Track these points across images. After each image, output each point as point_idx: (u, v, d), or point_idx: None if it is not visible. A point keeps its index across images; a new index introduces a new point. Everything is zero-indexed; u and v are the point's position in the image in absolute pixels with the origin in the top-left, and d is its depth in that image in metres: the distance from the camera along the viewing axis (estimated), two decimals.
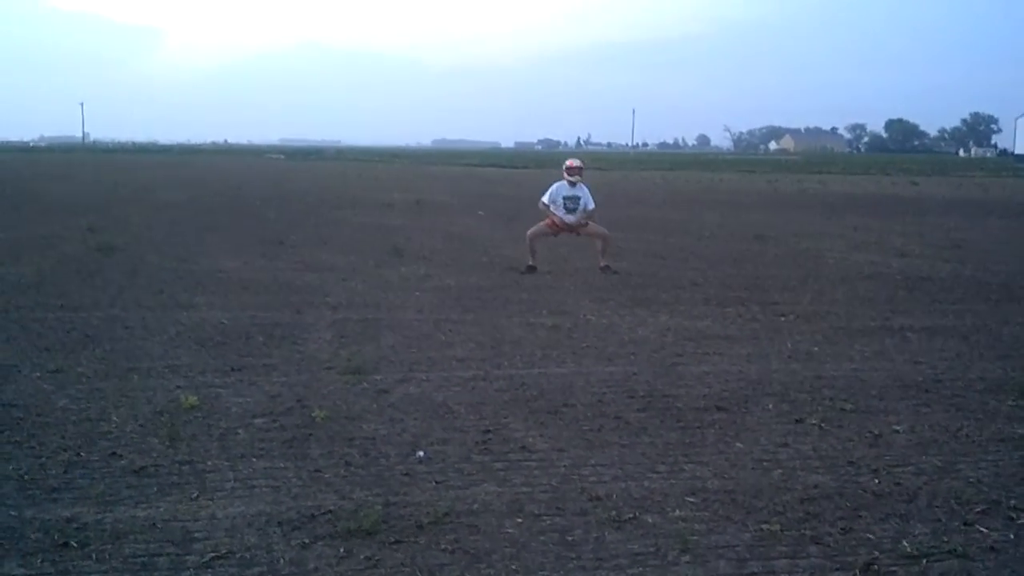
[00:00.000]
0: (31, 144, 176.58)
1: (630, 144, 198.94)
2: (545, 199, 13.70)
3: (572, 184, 13.52)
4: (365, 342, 8.64)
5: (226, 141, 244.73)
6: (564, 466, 5.50)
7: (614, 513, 4.79)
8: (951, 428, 6.34)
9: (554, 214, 13.57)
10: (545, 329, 9.37)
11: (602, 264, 13.49)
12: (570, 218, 13.55)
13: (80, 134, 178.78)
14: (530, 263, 13.43)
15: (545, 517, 4.77)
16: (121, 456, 5.54)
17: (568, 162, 13.81)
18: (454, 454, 5.68)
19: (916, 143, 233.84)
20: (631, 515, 4.79)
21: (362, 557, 4.28)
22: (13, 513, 4.71)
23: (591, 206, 13.68)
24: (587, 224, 13.62)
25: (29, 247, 15.41)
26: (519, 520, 4.73)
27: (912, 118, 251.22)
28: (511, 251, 14.48)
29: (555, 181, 13.85)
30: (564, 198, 13.52)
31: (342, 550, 4.35)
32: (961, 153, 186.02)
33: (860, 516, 4.84)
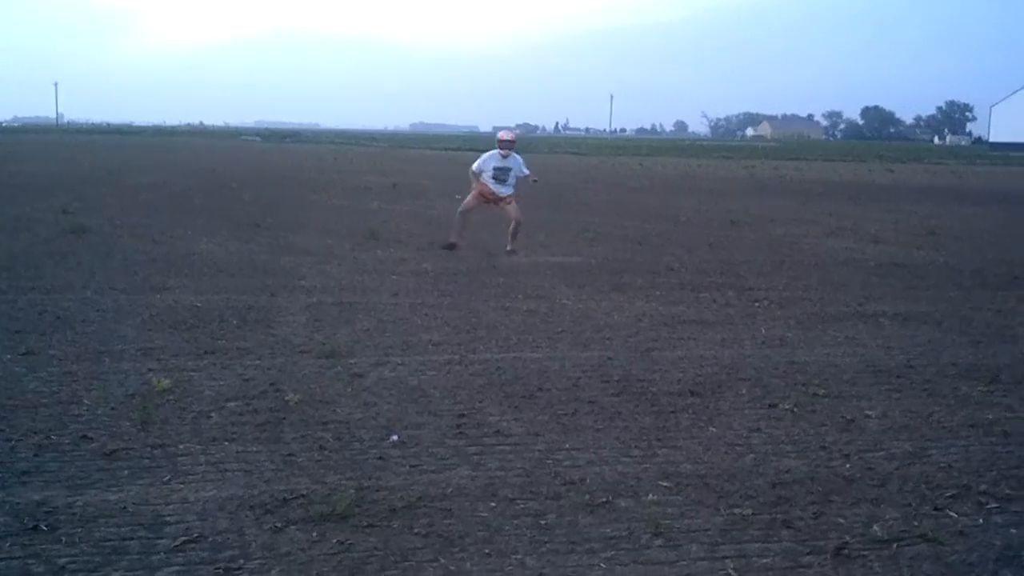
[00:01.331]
0: (3, 124, 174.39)
1: (608, 129, 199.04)
2: (475, 167, 13.83)
3: (504, 156, 13.59)
4: (340, 326, 8.61)
5: (201, 123, 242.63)
6: (538, 450, 5.51)
7: (587, 497, 4.81)
8: (923, 413, 6.40)
9: (484, 183, 13.66)
10: (521, 314, 9.37)
11: (508, 248, 13.61)
12: (499, 188, 13.67)
13: (54, 115, 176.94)
14: (451, 240, 13.55)
15: (519, 501, 4.77)
16: (92, 439, 5.50)
17: (501, 134, 13.95)
18: (428, 438, 5.67)
19: (892, 130, 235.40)
20: (604, 499, 4.80)
21: (335, 541, 4.27)
22: None
23: (525, 171, 13.82)
24: (511, 201, 13.69)
25: (1, 228, 15.23)
26: (493, 504, 4.73)
27: (888, 105, 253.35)
28: (488, 235, 14.44)
29: (488, 151, 13.93)
30: (495, 168, 13.65)
31: (315, 534, 4.33)
32: (936, 141, 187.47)
33: (831, 500, 4.88)
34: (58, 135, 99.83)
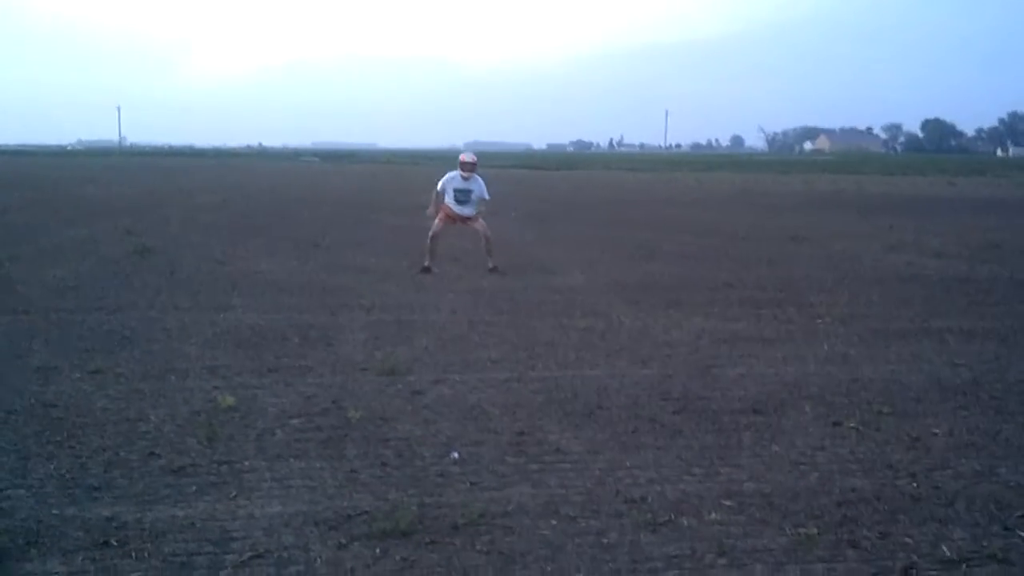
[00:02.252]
0: (68, 147, 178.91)
1: (663, 145, 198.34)
2: (439, 187, 13.90)
3: (465, 178, 13.68)
4: (399, 343, 8.67)
5: (261, 145, 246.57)
6: (599, 468, 5.49)
7: (650, 516, 4.78)
8: (991, 431, 6.26)
9: (447, 205, 13.75)
10: (578, 331, 9.36)
11: (490, 266, 13.60)
12: (461, 209, 13.77)
13: (117, 138, 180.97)
14: (426, 264, 13.58)
15: (580, 519, 4.76)
16: (160, 456, 5.60)
17: (462, 156, 14.01)
18: (488, 456, 5.69)
19: (953, 143, 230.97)
20: (667, 518, 4.77)
21: (398, 558, 4.30)
22: (55, 512, 4.77)
23: (486, 196, 13.91)
24: (477, 219, 13.80)
25: (68, 250, 15.62)
26: (554, 522, 4.73)
27: (949, 118, 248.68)
28: (544, 253, 14.48)
29: (449, 172, 14.04)
30: (456, 190, 13.74)
31: (378, 550, 4.37)
32: (999, 153, 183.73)
33: (898, 520, 4.80)
34: (121, 158, 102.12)
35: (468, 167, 13.74)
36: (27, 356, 8.02)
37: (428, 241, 13.69)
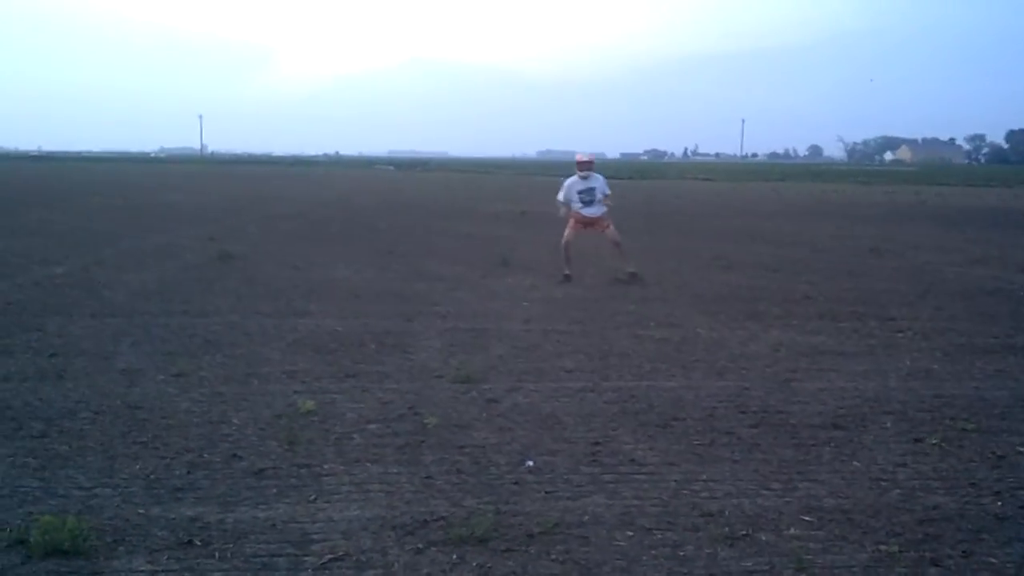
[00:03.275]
0: (152, 155, 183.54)
1: (739, 154, 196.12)
2: (560, 197, 13.87)
3: (584, 178, 13.61)
4: (474, 351, 8.73)
5: (337, 153, 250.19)
6: (675, 480, 5.46)
7: (727, 530, 4.74)
8: None
9: (575, 212, 13.69)
10: (654, 342, 9.31)
11: (629, 270, 13.51)
12: (589, 211, 13.68)
13: (198, 146, 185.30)
14: (566, 272, 13.49)
15: (656, 531, 4.74)
16: (241, 458, 5.73)
17: (578, 156, 13.94)
18: (563, 465, 5.69)
19: None
20: (744, 532, 4.73)
21: (474, 564, 4.33)
22: (140, 511, 4.91)
23: (607, 191, 13.82)
24: (608, 225, 13.68)
25: (152, 255, 16.05)
26: (630, 533, 4.71)
27: None
28: (617, 263, 14.39)
29: (568, 178, 13.93)
30: (579, 192, 13.67)
31: (455, 556, 4.41)
32: None
33: (982, 539, 4.69)
34: (202, 165, 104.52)
35: (585, 166, 13.76)
36: (112, 358, 8.25)
37: (563, 251, 13.72)
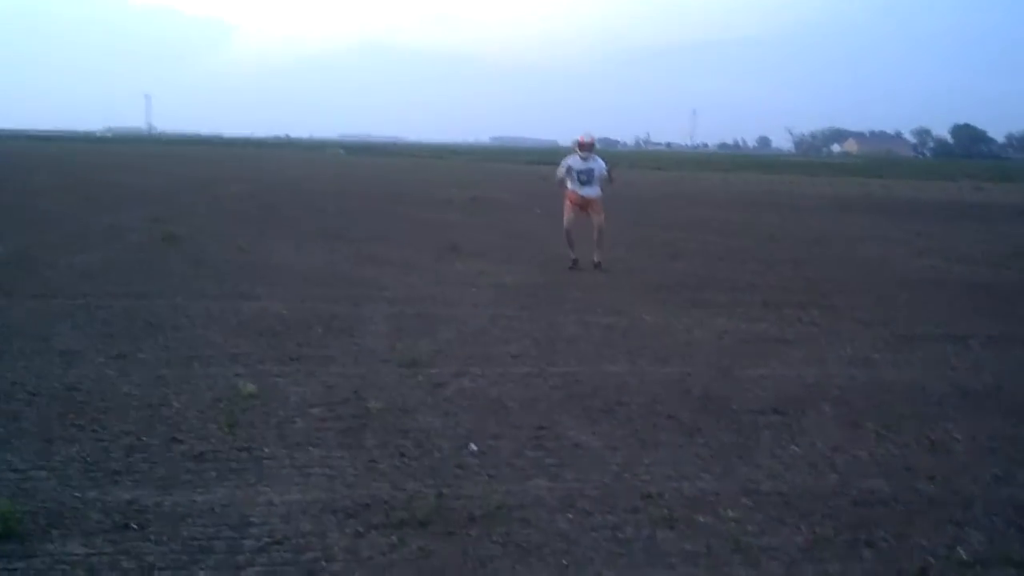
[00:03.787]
0: (97, 134, 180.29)
1: (690, 144, 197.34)
2: (559, 174, 13.91)
3: (584, 159, 13.65)
4: (421, 336, 8.71)
5: (288, 136, 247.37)
6: (617, 464, 5.50)
7: (666, 512, 4.79)
8: (1011, 437, 6.23)
9: (572, 191, 13.73)
10: (600, 328, 9.36)
11: (595, 260, 13.54)
12: (586, 191, 13.71)
13: (145, 126, 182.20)
14: (572, 256, 13.52)
15: (597, 514, 4.78)
16: (181, 441, 5.66)
17: (579, 137, 13.94)
18: (507, 449, 5.71)
19: (983, 149, 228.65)
20: (683, 514, 4.78)
21: (415, 547, 4.33)
22: (76, 494, 4.83)
23: (605, 173, 13.80)
24: (599, 209, 13.71)
25: (96, 236, 15.78)
26: (571, 516, 4.74)
27: (979, 123, 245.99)
28: (567, 250, 14.43)
29: (568, 157, 13.95)
30: (577, 172, 13.68)
31: (395, 539, 4.40)
32: None
33: (915, 522, 4.79)
34: (148, 146, 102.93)
35: (587, 147, 13.74)
36: (51, 340, 8.10)
37: (565, 236, 13.71)
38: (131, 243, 14.99)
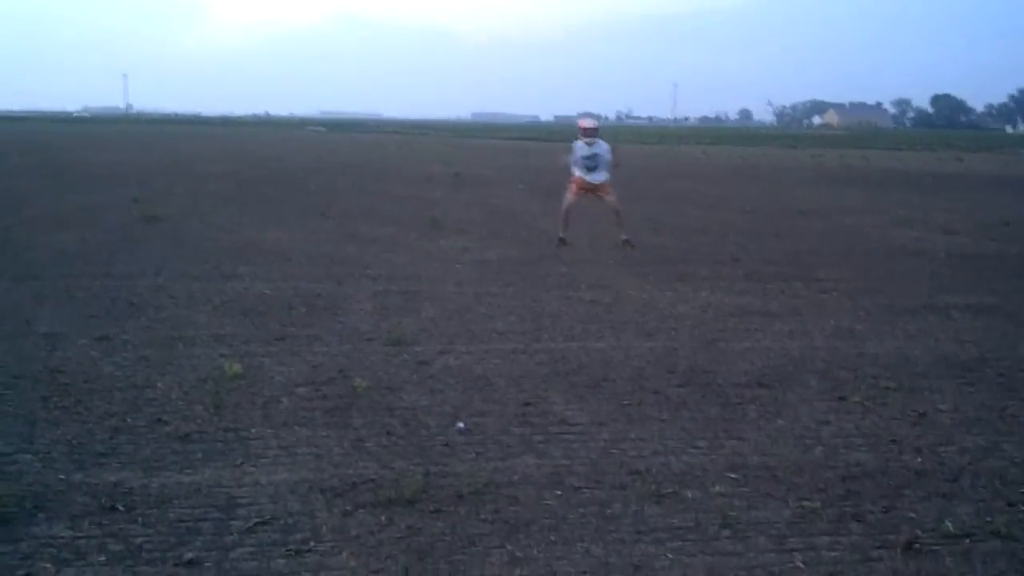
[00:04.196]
0: (74, 114, 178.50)
1: (671, 118, 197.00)
2: (569, 160, 13.68)
3: (589, 144, 13.47)
4: (405, 314, 8.68)
5: (267, 113, 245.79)
6: (603, 439, 5.51)
7: (654, 487, 4.80)
8: (996, 407, 6.27)
9: (578, 176, 13.53)
10: (584, 303, 9.35)
11: (622, 238, 13.41)
12: (592, 177, 13.49)
13: (123, 105, 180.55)
14: (561, 235, 13.42)
15: (584, 490, 4.78)
16: (166, 423, 5.63)
17: (582, 122, 13.77)
18: (494, 426, 5.71)
19: (963, 119, 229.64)
20: (671, 489, 4.79)
21: (403, 526, 4.33)
22: (61, 477, 4.80)
23: (609, 158, 13.59)
24: (609, 192, 13.55)
25: (75, 217, 15.63)
26: (558, 492, 4.75)
27: (959, 94, 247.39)
28: (550, 225, 14.40)
29: (574, 141, 13.77)
30: (583, 158, 13.48)
31: (383, 518, 4.39)
32: (1009, 129, 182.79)
33: (902, 494, 4.81)
34: (127, 125, 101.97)
35: (590, 132, 13.51)
36: (34, 322, 8.04)
37: (562, 214, 13.56)
38: (111, 223, 14.85)
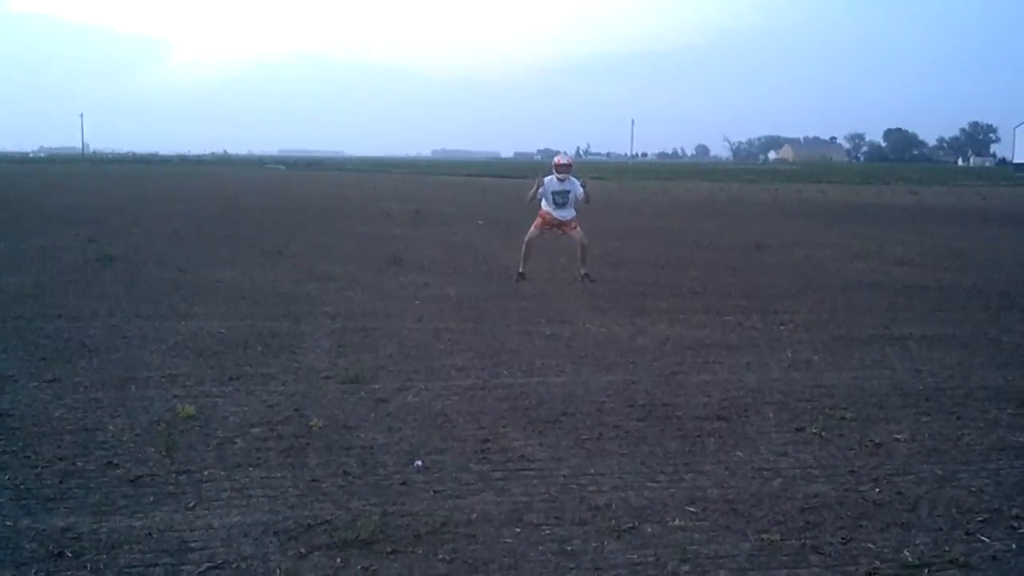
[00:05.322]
0: (30, 155, 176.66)
1: (629, 154, 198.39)
2: (539, 191, 13.68)
3: (561, 180, 13.54)
4: (363, 351, 8.61)
5: (226, 152, 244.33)
6: (563, 475, 5.47)
7: (613, 523, 4.76)
8: (952, 437, 6.31)
9: (545, 211, 13.61)
10: (544, 338, 9.34)
11: (582, 272, 13.50)
12: (560, 213, 13.58)
13: (80, 145, 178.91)
14: (520, 270, 13.45)
15: (544, 527, 4.74)
16: (117, 466, 5.51)
17: (557, 159, 13.85)
18: (452, 463, 5.65)
19: (915, 152, 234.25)
20: (630, 525, 4.76)
21: (359, 568, 4.25)
22: (8, 523, 4.68)
23: (581, 194, 13.66)
24: (575, 226, 13.61)
25: (28, 257, 15.38)
26: (518, 530, 4.70)
27: (911, 127, 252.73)
28: (510, 260, 14.42)
29: (545, 176, 13.83)
30: (553, 193, 13.56)
31: (339, 560, 4.31)
32: (960, 162, 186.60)
33: (861, 525, 4.81)
34: (84, 165, 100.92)
35: (564, 169, 13.58)
36: None
37: (524, 247, 13.57)
38: (65, 264, 14.63)
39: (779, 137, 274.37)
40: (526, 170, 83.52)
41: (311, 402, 6.89)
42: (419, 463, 5.64)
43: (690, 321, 10.40)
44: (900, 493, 5.27)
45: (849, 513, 4.97)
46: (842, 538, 4.65)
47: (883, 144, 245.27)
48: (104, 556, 4.33)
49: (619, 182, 64.27)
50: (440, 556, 4.39)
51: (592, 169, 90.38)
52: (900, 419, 6.70)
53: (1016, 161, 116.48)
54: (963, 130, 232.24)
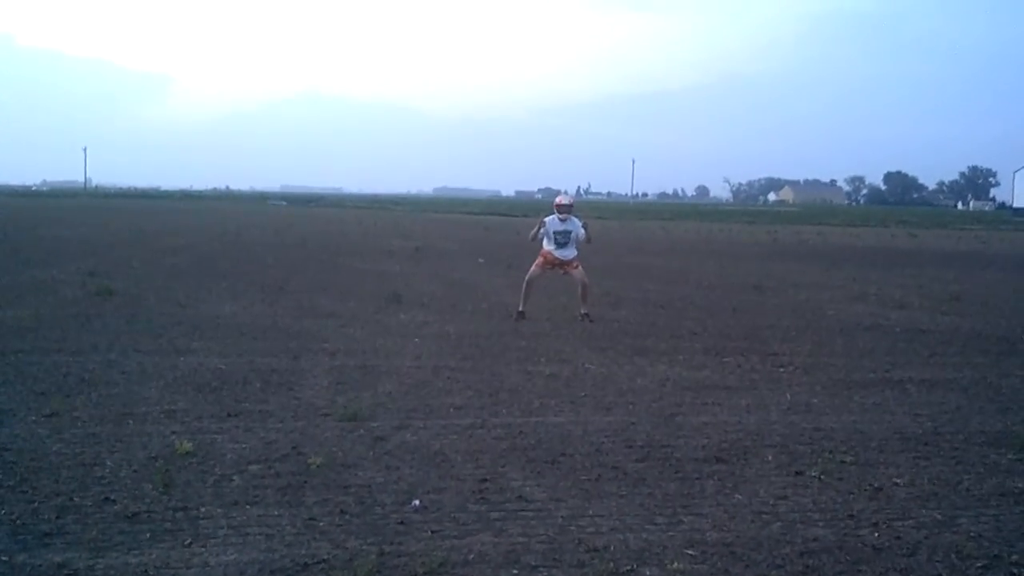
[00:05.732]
0: (33, 188, 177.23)
1: (630, 194, 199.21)
2: (541, 231, 13.78)
3: (562, 220, 13.62)
4: (362, 389, 8.60)
5: (228, 187, 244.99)
6: (561, 516, 5.45)
7: (612, 565, 4.74)
8: (951, 481, 6.29)
9: (547, 250, 13.67)
10: (543, 378, 9.33)
11: (582, 311, 13.55)
12: (562, 253, 13.65)
13: (83, 179, 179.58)
14: (520, 309, 13.47)
15: (542, 568, 4.71)
16: (114, 502, 5.49)
17: (558, 199, 13.96)
18: (450, 503, 5.63)
19: (915, 196, 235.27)
20: (629, 567, 4.74)
21: None
22: (4, 558, 4.66)
23: (582, 234, 13.76)
24: (577, 266, 13.68)
25: (28, 291, 15.38)
26: (515, 571, 4.68)
27: (911, 171, 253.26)
28: (510, 298, 14.45)
29: (547, 216, 13.90)
30: (555, 232, 13.64)
31: None
32: (960, 206, 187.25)
33: (860, 570, 4.79)
34: (86, 199, 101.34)
35: (565, 209, 13.68)
36: None
37: (524, 286, 13.62)
38: (65, 298, 14.64)
39: (779, 179, 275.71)
40: (527, 208, 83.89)
41: (309, 439, 6.88)
42: (417, 502, 5.62)
43: (690, 362, 10.40)
44: (899, 538, 5.25)
45: (848, 558, 4.95)
46: None
47: (883, 187, 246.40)
48: None
49: (619, 221, 64.49)
50: None
51: (592, 208, 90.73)
52: (899, 463, 6.69)
53: (1015, 205, 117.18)
54: (963, 174, 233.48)
